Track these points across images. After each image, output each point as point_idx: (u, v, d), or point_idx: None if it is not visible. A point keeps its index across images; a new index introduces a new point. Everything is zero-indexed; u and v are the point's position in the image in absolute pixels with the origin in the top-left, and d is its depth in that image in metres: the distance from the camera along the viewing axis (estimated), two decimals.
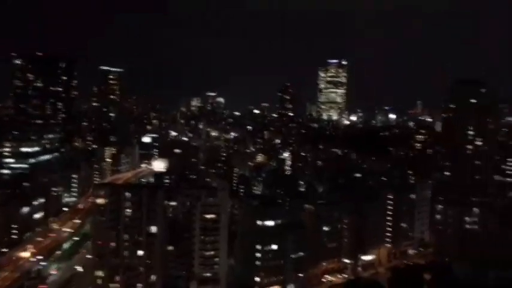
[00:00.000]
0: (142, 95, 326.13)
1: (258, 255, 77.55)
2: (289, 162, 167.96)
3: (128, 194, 74.16)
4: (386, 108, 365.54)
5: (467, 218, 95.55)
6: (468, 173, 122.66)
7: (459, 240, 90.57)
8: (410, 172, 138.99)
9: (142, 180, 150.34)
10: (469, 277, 76.34)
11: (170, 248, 73.63)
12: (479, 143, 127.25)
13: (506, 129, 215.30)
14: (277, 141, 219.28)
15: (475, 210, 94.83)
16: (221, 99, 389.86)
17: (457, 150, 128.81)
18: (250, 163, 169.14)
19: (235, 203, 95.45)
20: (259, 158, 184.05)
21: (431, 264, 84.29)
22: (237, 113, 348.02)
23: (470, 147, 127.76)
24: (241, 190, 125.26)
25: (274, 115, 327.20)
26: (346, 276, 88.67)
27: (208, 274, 74.43)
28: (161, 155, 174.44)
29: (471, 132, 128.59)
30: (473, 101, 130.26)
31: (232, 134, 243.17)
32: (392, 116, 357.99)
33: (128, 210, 73.39)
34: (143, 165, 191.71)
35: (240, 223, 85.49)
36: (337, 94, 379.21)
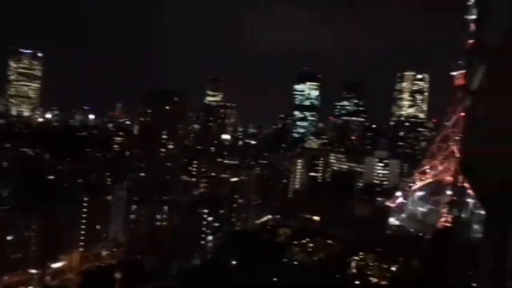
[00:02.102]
0: None
1: None
2: None
3: None
4: (85, 108, 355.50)
5: (157, 216, 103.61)
6: (160, 173, 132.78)
7: (150, 236, 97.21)
8: (108, 174, 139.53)
9: None
10: (157, 270, 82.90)
11: None
12: (171, 146, 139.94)
13: (193, 135, 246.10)
14: None
15: (165, 207, 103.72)
16: None
17: (151, 153, 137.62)
18: None
19: None
20: None
21: (122, 262, 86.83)
22: None
23: (163, 150, 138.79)
24: None
25: None
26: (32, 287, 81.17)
27: None
28: None
29: (164, 136, 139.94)
30: (167, 107, 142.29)
31: None
32: (91, 117, 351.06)
33: None
34: None
35: None
36: (30, 88, 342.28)
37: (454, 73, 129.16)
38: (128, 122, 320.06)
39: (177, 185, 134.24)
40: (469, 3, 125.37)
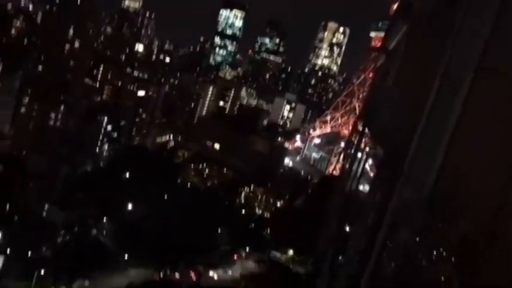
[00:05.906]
0: None
1: None
2: None
3: None
4: None
5: (52, 115, 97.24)
6: (61, 71, 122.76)
7: (40, 134, 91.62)
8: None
9: None
10: (42, 171, 79.40)
11: None
12: (77, 45, 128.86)
13: (103, 38, 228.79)
14: None
15: (61, 108, 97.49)
16: None
17: (54, 47, 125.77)
18: None
19: None
20: None
21: (4, 156, 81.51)
22: None
23: (68, 46, 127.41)
24: None
25: None
26: None
27: None
28: None
29: (71, 32, 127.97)
30: (78, 2, 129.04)
31: None
32: None
33: None
34: None
35: None
36: None
37: (373, 34, 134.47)
38: (30, 7, 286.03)
39: (78, 87, 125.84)
40: None
